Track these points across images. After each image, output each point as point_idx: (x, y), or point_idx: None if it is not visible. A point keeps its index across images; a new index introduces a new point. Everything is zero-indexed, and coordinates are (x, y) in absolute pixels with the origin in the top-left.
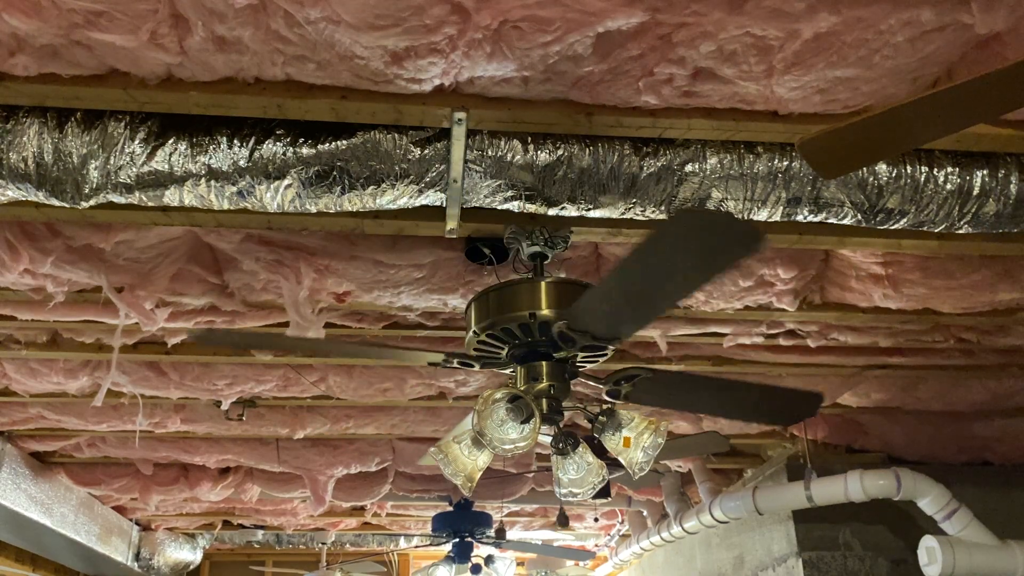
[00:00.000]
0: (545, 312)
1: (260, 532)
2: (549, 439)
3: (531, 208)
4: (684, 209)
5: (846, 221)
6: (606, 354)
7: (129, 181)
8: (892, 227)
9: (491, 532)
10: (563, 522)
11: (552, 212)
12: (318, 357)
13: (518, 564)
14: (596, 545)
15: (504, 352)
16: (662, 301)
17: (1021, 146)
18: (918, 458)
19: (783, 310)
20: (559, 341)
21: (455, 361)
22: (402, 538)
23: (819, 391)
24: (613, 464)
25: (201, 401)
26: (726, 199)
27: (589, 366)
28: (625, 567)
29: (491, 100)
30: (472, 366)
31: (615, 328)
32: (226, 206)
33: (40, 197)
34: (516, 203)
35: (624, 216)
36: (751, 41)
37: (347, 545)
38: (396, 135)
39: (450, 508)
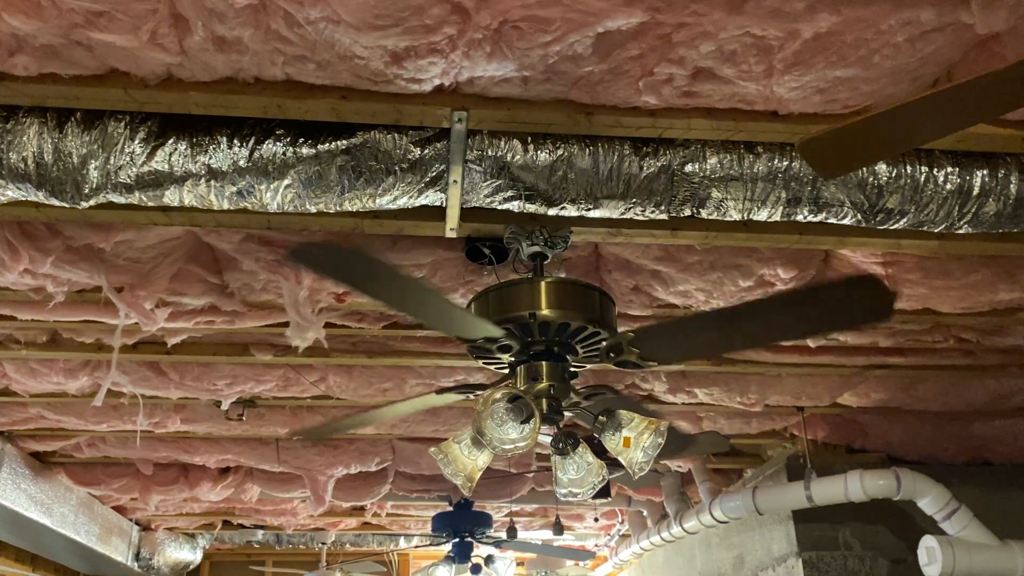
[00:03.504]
0: (545, 312)
1: (260, 532)
2: (549, 439)
3: (531, 208)
4: (832, 283)
5: (846, 221)
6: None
7: (129, 181)
8: (892, 227)
9: (492, 532)
10: (559, 531)
11: (552, 212)
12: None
13: (518, 564)
14: (596, 545)
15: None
16: (742, 345)
17: (1021, 146)
18: (918, 458)
19: None
20: (610, 351)
21: (453, 394)
22: (402, 538)
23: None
24: (613, 464)
25: (201, 401)
26: (726, 199)
27: (588, 366)
28: (625, 567)
29: (491, 100)
30: (470, 394)
31: (670, 356)
32: (226, 206)
33: (40, 197)
34: (516, 203)
35: (624, 216)
36: (751, 41)
37: (347, 545)
38: (396, 135)
39: (450, 508)
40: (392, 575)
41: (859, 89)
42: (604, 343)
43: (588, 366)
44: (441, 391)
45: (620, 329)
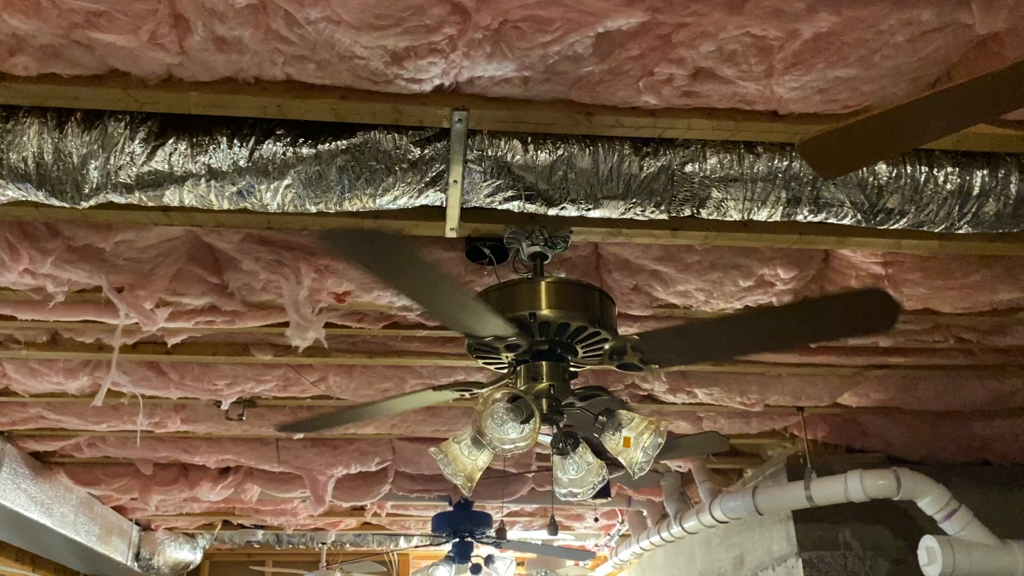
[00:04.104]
0: (545, 312)
1: (260, 532)
2: (549, 439)
3: (531, 208)
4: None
5: (846, 221)
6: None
7: (129, 181)
8: (892, 227)
9: (491, 532)
10: (553, 531)
11: (552, 212)
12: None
13: (518, 564)
14: (596, 545)
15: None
16: (745, 351)
17: (1021, 146)
18: (918, 458)
19: None
20: (613, 354)
21: (455, 393)
22: (402, 538)
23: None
24: (613, 464)
25: (201, 401)
26: (726, 199)
27: (588, 366)
28: (625, 567)
29: (491, 100)
30: (470, 391)
31: (672, 360)
32: (226, 206)
33: (40, 197)
34: (516, 203)
35: (624, 216)
36: (751, 41)
37: (347, 545)
38: (396, 135)
39: (450, 508)
40: (392, 575)
41: (859, 89)
42: (607, 346)
43: (589, 366)
44: (438, 388)
45: (623, 332)
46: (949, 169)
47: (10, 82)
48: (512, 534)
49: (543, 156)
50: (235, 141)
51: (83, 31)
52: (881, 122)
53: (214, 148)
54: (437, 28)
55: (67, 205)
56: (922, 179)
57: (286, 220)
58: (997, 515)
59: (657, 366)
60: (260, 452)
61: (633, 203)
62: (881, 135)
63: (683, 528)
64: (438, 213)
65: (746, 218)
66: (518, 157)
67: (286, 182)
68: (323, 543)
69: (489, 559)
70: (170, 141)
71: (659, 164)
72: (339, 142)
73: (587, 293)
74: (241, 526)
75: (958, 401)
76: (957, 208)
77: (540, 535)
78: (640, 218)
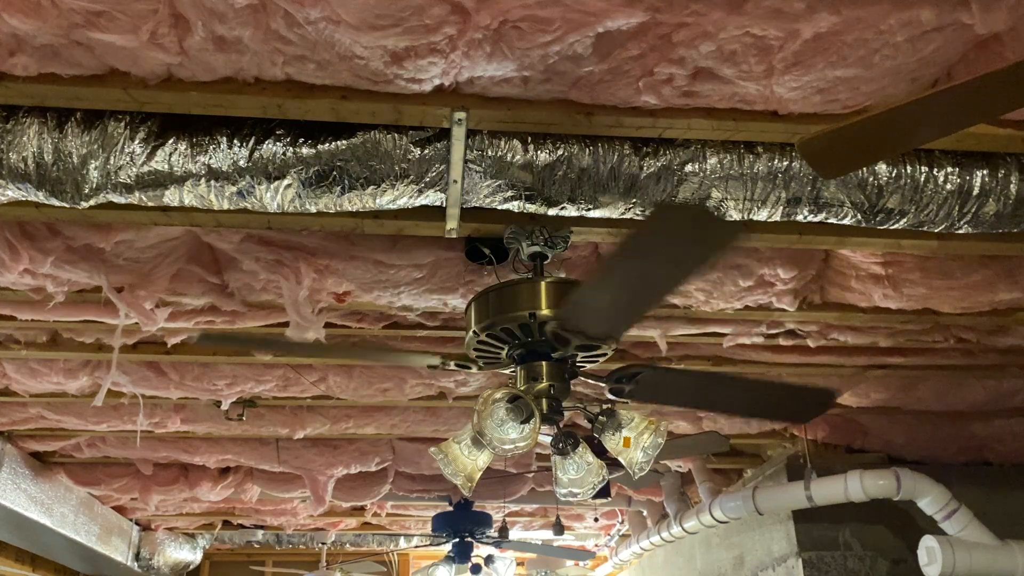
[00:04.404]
0: (545, 312)
1: (260, 532)
2: (549, 439)
3: (531, 208)
4: (662, 204)
5: (846, 221)
6: (606, 354)
7: (129, 181)
8: (892, 227)
9: (492, 532)
10: (559, 531)
11: (552, 212)
12: (320, 358)
13: (518, 564)
14: (596, 545)
15: (504, 352)
16: (649, 298)
17: (1021, 146)
18: (918, 458)
19: (783, 310)
20: (554, 342)
21: (452, 363)
22: (402, 538)
23: (831, 388)
24: (613, 464)
25: (201, 401)
26: (726, 199)
27: (589, 366)
28: (625, 567)
29: (491, 100)
30: (469, 368)
31: (608, 327)
32: (226, 206)
33: (40, 197)
34: (516, 203)
35: (624, 216)
36: (751, 41)
37: (347, 545)
38: (396, 135)
39: (450, 508)
40: (392, 575)
41: (859, 89)
42: (615, 375)
43: (588, 366)
44: (430, 367)
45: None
46: (949, 169)
47: (10, 82)
48: (512, 534)
49: (543, 156)
50: (235, 141)
51: (83, 31)
52: (881, 122)
53: (214, 148)
54: (437, 28)
55: (67, 205)
56: (922, 179)
57: (286, 220)
58: (997, 515)
59: (630, 400)
60: (260, 452)
61: (633, 203)
62: (881, 135)
63: (683, 528)
64: (438, 213)
65: (746, 218)
66: (518, 157)
67: (286, 182)
68: (323, 543)
69: (489, 559)
70: (170, 141)
71: (659, 164)
72: (339, 142)
73: None
74: (241, 526)
75: (958, 401)
76: (957, 208)
77: (540, 535)
78: (640, 218)
